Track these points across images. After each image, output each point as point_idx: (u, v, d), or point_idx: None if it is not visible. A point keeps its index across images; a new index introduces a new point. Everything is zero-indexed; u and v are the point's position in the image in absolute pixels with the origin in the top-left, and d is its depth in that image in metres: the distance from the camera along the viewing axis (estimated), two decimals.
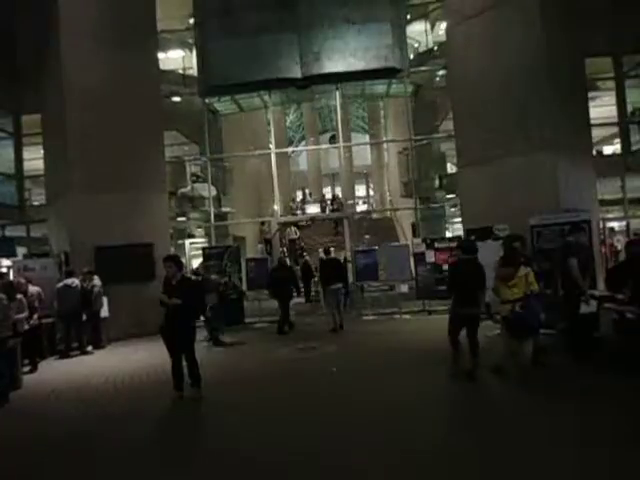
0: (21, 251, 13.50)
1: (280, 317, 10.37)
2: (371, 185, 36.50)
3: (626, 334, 6.32)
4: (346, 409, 5.22)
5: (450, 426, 4.65)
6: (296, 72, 12.02)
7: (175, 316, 5.77)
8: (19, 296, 7.55)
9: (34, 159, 13.30)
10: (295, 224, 17.94)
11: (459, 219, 14.28)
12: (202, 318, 8.99)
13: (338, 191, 29.38)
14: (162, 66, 14.09)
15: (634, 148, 13.03)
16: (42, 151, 12.69)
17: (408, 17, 19.08)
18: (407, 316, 11.32)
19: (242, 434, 4.76)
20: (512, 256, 6.11)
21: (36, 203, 14.27)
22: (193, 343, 6.01)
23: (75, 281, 9.43)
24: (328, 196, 24.19)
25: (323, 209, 22.39)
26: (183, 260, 18.49)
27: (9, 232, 13.51)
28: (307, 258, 15.98)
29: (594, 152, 14.50)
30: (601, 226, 11.18)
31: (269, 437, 4.59)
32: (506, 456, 3.88)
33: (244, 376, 7.04)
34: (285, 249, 17.34)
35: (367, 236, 19.17)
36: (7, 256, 12.38)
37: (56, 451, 4.70)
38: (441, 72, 14.73)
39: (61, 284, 9.31)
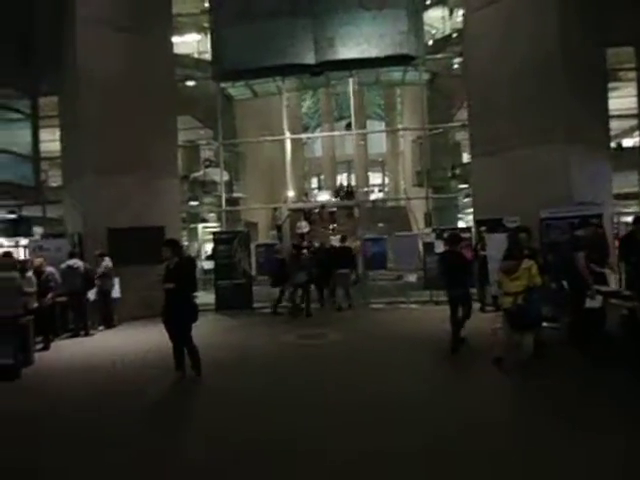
0: (39, 231, 13.84)
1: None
2: (386, 173, 36.26)
3: (633, 329, 6.26)
4: (340, 399, 5.27)
5: (438, 416, 4.66)
6: (310, 58, 11.94)
7: (170, 301, 5.92)
8: (28, 274, 7.78)
9: (52, 141, 13.52)
10: (307, 218, 17.78)
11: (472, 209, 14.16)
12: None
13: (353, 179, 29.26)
14: (177, 50, 14.13)
15: None
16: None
17: (428, 2, 18.82)
18: (414, 305, 11.34)
19: (231, 419, 4.85)
20: (516, 249, 6.08)
21: (53, 184, 14.56)
22: (188, 328, 6.07)
23: (77, 262, 9.54)
24: (343, 183, 24.15)
25: (340, 197, 22.27)
26: (195, 244, 18.82)
27: (26, 212, 13.82)
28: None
29: (613, 144, 14.20)
30: (615, 220, 10.96)
31: (258, 424, 4.66)
32: (492, 443, 3.93)
33: (247, 361, 7.14)
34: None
35: (381, 224, 19.13)
36: (24, 236, 12.71)
37: (60, 425, 4.88)
38: (457, 60, 14.50)
39: (64, 265, 9.43)
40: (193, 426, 4.83)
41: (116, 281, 10.38)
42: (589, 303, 6.41)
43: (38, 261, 8.71)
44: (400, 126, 26.90)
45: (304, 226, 15.75)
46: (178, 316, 5.97)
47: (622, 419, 4.31)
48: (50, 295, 8.49)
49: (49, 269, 8.82)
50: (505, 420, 4.50)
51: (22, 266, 7.81)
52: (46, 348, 8.37)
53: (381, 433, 4.25)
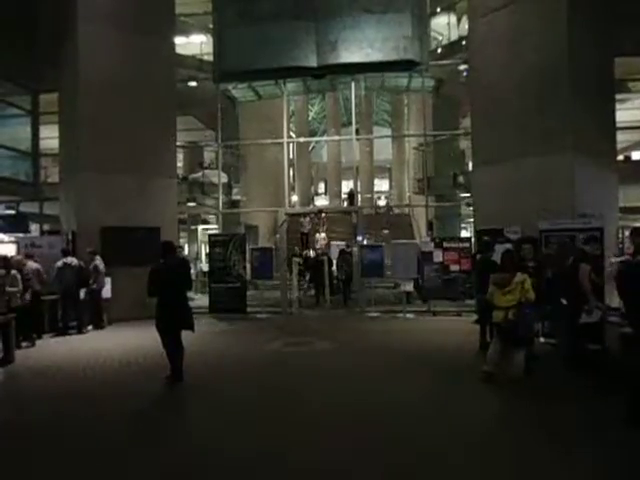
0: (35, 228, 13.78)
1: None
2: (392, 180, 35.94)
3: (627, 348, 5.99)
4: (307, 410, 5.08)
5: (414, 432, 4.43)
6: (312, 61, 11.73)
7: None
8: (13, 272, 7.65)
9: (53, 137, 13.47)
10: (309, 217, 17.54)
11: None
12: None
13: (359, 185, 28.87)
14: (181, 51, 14.04)
15: None
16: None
17: (438, 10, 18.62)
18: (411, 315, 11.08)
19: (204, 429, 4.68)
20: (508, 261, 5.83)
21: (54, 181, 14.48)
22: (160, 332, 6.01)
23: (74, 260, 9.49)
24: (346, 189, 23.92)
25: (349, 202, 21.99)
26: (195, 246, 18.65)
27: (24, 209, 13.76)
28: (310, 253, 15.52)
29: (621, 157, 13.88)
30: (620, 235, 10.63)
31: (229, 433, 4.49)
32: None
33: (226, 369, 6.95)
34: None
35: (386, 231, 18.91)
36: (21, 232, 12.61)
37: (26, 429, 4.73)
38: (464, 67, 14.27)
39: (60, 262, 9.34)
40: (163, 433, 4.64)
41: (107, 281, 10.25)
42: (585, 318, 6.14)
43: (17, 258, 8.59)
44: (405, 133, 26.67)
45: (307, 222, 15.84)
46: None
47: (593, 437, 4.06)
48: (28, 294, 8.26)
49: (31, 265, 8.69)
50: (481, 436, 4.25)
51: (6, 264, 7.66)
52: (30, 346, 8.28)
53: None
